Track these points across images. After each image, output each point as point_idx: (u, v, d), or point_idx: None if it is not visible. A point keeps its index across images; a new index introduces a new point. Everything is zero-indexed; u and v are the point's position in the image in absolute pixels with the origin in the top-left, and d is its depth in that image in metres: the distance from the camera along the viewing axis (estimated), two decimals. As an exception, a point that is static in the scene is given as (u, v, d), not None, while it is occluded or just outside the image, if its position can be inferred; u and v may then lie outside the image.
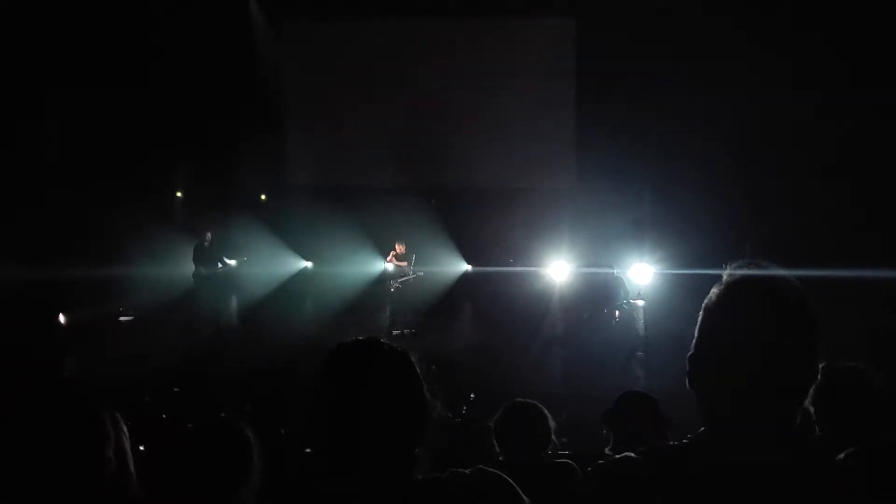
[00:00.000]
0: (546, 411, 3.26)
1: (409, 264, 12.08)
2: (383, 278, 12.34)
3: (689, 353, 1.44)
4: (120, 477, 1.96)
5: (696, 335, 1.44)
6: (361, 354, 1.54)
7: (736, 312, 1.39)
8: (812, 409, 2.46)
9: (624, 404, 3.29)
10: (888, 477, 1.40)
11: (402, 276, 12.05)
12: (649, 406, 3.26)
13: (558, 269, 12.64)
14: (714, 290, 1.43)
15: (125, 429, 2.09)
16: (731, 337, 1.38)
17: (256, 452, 2.32)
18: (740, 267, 1.43)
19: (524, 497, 1.54)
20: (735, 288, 1.41)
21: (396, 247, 12.05)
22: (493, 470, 1.57)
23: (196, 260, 12.19)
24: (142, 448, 3.24)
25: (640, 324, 11.37)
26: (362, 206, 12.98)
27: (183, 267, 12.27)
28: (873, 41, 10.18)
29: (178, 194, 14.22)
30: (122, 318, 12.00)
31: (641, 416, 3.19)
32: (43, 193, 11.71)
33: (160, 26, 12.19)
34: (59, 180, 11.89)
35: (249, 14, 13.80)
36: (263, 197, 14.83)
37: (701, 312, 1.44)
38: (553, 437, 3.23)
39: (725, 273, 1.43)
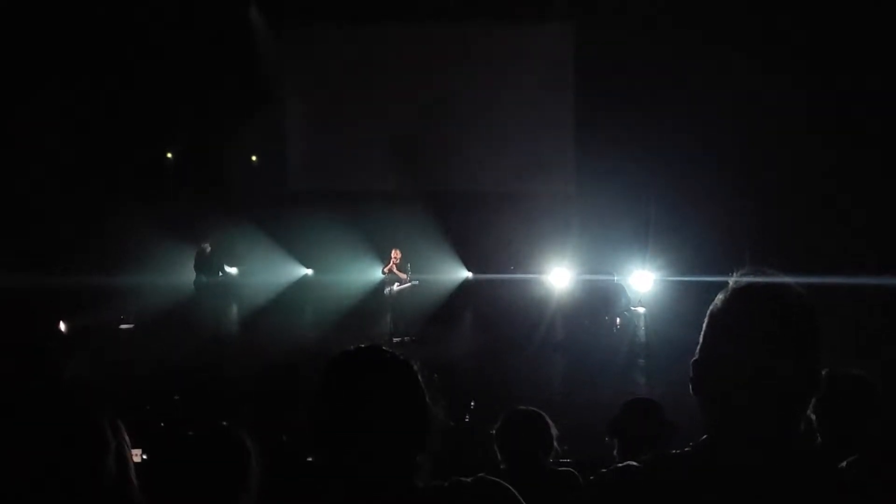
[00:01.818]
0: (548, 419, 3.25)
1: (406, 272, 12.03)
2: (382, 286, 12.32)
3: (693, 358, 1.44)
4: (120, 484, 1.95)
5: (700, 341, 1.44)
6: (363, 362, 1.54)
7: (741, 319, 1.39)
8: (813, 417, 2.45)
9: (630, 411, 3.26)
10: (890, 485, 1.40)
11: (396, 284, 11.96)
12: (656, 413, 3.24)
13: (559, 277, 12.63)
14: (720, 297, 1.43)
15: (126, 436, 2.09)
16: (735, 343, 1.38)
17: (255, 459, 2.32)
18: (746, 274, 1.44)
19: (526, 505, 1.54)
20: (741, 295, 1.41)
21: (394, 253, 12.00)
22: (495, 478, 1.57)
23: (197, 267, 12.18)
24: (144, 456, 3.24)
25: (642, 331, 11.36)
26: (363, 213, 12.97)
27: (183, 275, 12.26)
28: (874, 49, 10.20)
29: (179, 201, 14.23)
30: (122, 326, 11.99)
31: (648, 423, 3.17)
32: (43, 201, 11.71)
33: (161, 33, 12.22)
34: (60, 187, 11.90)
35: (250, 19, 13.83)
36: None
37: (706, 318, 1.44)
38: (555, 444, 3.22)
39: (731, 280, 1.44)
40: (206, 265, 12.21)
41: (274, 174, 14.53)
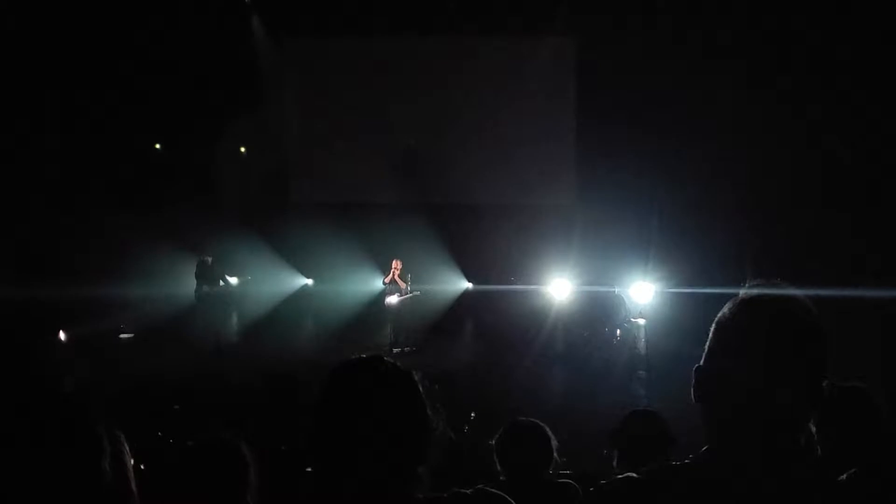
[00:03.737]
0: (548, 430, 3.24)
1: (406, 283, 12.02)
2: (382, 297, 12.30)
3: (697, 364, 1.45)
4: (120, 493, 1.95)
5: (706, 348, 1.45)
6: (364, 372, 1.54)
7: (747, 329, 1.40)
8: (814, 429, 2.44)
9: (631, 423, 3.25)
10: (889, 498, 1.40)
11: (397, 294, 11.93)
12: (656, 424, 3.23)
13: (559, 288, 12.62)
14: (728, 306, 1.44)
15: (126, 445, 2.09)
16: (740, 353, 1.39)
17: (254, 469, 2.32)
18: (757, 285, 1.44)
19: (526, 517, 1.54)
20: (749, 305, 1.42)
21: (394, 264, 11.98)
22: (495, 490, 1.56)
23: (198, 277, 12.18)
24: (142, 466, 3.24)
25: (641, 342, 11.34)
26: (364, 223, 12.98)
27: (184, 284, 12.25)
28: (874, 59, 10.23)
29: (180, 211, 14.24)
30: (122, 336, 11.98)
31: (648, 434, 3.16)
32: (43, 211, 11.72)
33: (164, 44, 12.27)
34: (60, 197, 11.91)
35: (252, 32, 13.88)
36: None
37: (713, 326, 1.45)
38: (555, 455, 3.21)
39: (742, 291, 1.44)
40: (207, 275, 12.20)
41: (275, 185, 14.56)
